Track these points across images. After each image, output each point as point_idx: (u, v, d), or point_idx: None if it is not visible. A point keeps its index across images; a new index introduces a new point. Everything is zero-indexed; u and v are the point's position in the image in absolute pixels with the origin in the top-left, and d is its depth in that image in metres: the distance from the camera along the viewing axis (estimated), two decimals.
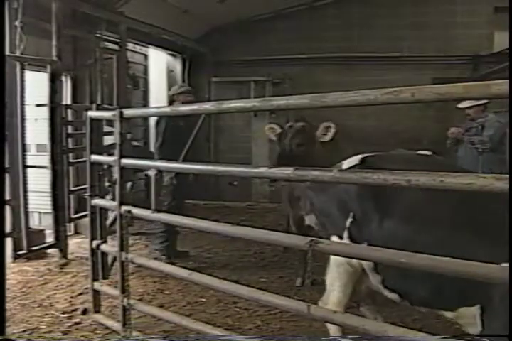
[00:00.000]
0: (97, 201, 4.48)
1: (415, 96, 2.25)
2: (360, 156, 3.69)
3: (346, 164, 3.67)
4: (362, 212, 3.41)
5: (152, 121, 10.78)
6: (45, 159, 6.69)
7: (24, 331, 4.41)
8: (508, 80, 1.99)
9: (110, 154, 4.74)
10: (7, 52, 6.07)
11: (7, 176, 6.02)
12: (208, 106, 3.39)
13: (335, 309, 3.49)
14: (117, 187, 4.06)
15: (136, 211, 3.92)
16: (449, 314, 3.04)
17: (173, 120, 6.73)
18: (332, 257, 3.68)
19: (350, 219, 3.51)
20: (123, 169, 4.03)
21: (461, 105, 6.77)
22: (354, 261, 3.51)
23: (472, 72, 10.78)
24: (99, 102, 7.70)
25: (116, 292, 4.17)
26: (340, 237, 3.57)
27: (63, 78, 7.20)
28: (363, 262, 3.39)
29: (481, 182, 2.08)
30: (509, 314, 2.23)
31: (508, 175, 2.04)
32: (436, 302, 3.08)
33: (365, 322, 2.60)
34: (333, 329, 3.71)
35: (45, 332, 4.42)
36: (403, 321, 4.59)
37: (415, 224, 3.09)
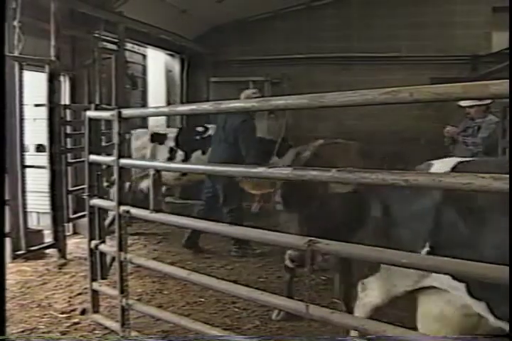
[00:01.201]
0: (96, 201, 4.48)
1: (414, 96, 2.25)
2: (452, 161, 3.18)
3: (436, 168, 3.13)
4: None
5: (151, 121, 10.86)
6: (43, 159, 6.69)
7: (23, 331, 4.41)
8: (506, 80, 1.99)
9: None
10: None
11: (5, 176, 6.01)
12: (206, 106, 3.39)
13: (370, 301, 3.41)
14: (116, 187, 4.06)
15: (134, 211, 3.92)
16: None
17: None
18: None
19: (426, 249, 2.89)
20: (122, 169, 4.03)
21: (463, 103, 6.74)
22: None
23: (471, 72, 10.80)
24: (97, 102, 7.68)
25: (115, 292, 4.17)
26: None
27: (62, 78, 7.18)
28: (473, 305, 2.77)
29: (480, 182, 2.08)
30: (509, 314, 2.23)
31: (506, 175, 2.04)
32: None
33: (364, 321, 2.60)
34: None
35: (43, 333, 4.41)
36: (401, 321, 4.59)
37: None
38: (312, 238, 2.65)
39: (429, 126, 10.49)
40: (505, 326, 2.61)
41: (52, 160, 6.60)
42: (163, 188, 11.69)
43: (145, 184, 8.16)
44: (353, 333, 3.56)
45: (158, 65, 11.92)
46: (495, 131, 6.72)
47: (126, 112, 4.00)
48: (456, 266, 2.24)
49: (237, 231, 3.27)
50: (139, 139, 8.71)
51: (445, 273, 2.37)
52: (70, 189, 7.14)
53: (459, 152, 6.82)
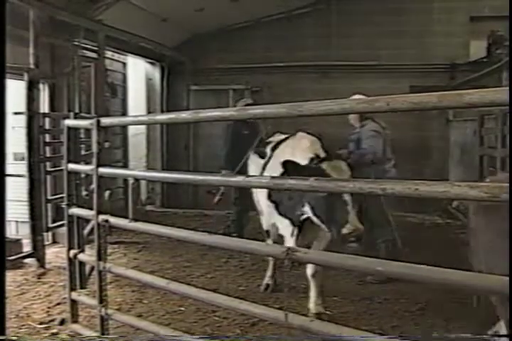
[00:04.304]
0: (75, 210, 4.45)
1: (390, 105, 2.27)
2: None
3: None
4: None
5: (131, 129, 10.85)
6: (22, 168, 6.64)
7: None
8: (480, 90, 2.02)
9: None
10: None
11: None
12: (185, 115, 3.39)
13: None
14: (95, 196, 4.04)
15: (113, 220, 3.90)
16: None
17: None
18: None
19: None
20: (100, 178, 4.02)
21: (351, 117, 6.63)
22: None
23: (449, 80, 10.91)
24: (77, 111, 7.66)
25: (94, 302, 4.14)
26: None
27: (41, 86, 7.16)
28: None
29: (456, 191, 2.10)
30: (509, 314, 2.24)
31: (482, 184, 2.07)
32: None
33: (343, 329, 2.61)
34: None
35: None
36: (382, 328, 4.62)
37: None
38: (290, 247, 2.66)
39: (408, 135, 10.60)
40: None
41: (31, 168, 6.56)
42: (144, 196, 11.71)
43: None
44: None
45: (138, 73, 11.89)
46: (377, 138, 6.44)
47: (105, 121, 3.99)
48: (433, 273, 2.25)
49: (218, 240, 3.26)
50: None
51: (422, 282, 2.36)
52: (49, 198, 7.10)
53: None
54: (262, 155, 5.96)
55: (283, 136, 6.05)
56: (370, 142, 6.36)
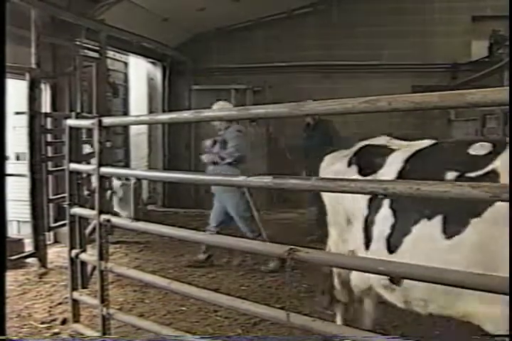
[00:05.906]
0: (76, 210, 4.45)
1: (392, 105, 2.26)
2: None
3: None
4: None
5: (133, 129, 10.85)
6: (24, 167, 6.64)
7: None
8: (482, 89, 2.01)
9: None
10: None
11: None
12: (186, 115, 3.38)
13: None
14: (96, 195, 4.03)
15: (115, 220, 3.90)
16: None
17: None
18: None
19: None
20: (102, 177, 4.01)
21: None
22: None
23: (451, 80, 10.90)
24: (78, 110, 7.65)
25: (96, 301, 4.13)
26: None
27: (42, 86, 7.15)
28: None
29: (457, 191, 2.09)
30: (509, 314, 2.23)
31: (485, 183, 2.06)
32: None
33: (345, 329, 2.60)
34: None
35: None
36: (384, 328, 4.61)
37: None
38: (292, 246, 2.65)
39: (410, 135, 10.57)
40: None
41: (33, 168, 6.55)
42: (146, 196, 11.71)
43: None
44: None
45: (139, 73, 11.91)
46: (242, 138, 6.70)
47: (107, 121, 3.98)
48: (433, 273, 2.25)
49: (218, 239, 3.26)
50: None
51: (421, 280, 2.36)
52: (51, 197, 7.09)
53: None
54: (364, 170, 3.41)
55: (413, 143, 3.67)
56: (235, 141, 6.61)
